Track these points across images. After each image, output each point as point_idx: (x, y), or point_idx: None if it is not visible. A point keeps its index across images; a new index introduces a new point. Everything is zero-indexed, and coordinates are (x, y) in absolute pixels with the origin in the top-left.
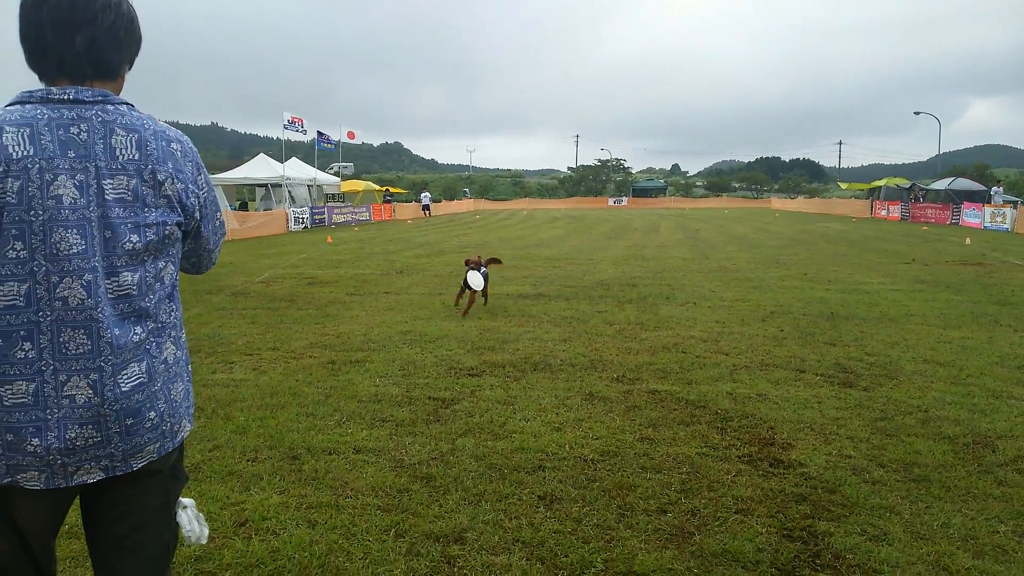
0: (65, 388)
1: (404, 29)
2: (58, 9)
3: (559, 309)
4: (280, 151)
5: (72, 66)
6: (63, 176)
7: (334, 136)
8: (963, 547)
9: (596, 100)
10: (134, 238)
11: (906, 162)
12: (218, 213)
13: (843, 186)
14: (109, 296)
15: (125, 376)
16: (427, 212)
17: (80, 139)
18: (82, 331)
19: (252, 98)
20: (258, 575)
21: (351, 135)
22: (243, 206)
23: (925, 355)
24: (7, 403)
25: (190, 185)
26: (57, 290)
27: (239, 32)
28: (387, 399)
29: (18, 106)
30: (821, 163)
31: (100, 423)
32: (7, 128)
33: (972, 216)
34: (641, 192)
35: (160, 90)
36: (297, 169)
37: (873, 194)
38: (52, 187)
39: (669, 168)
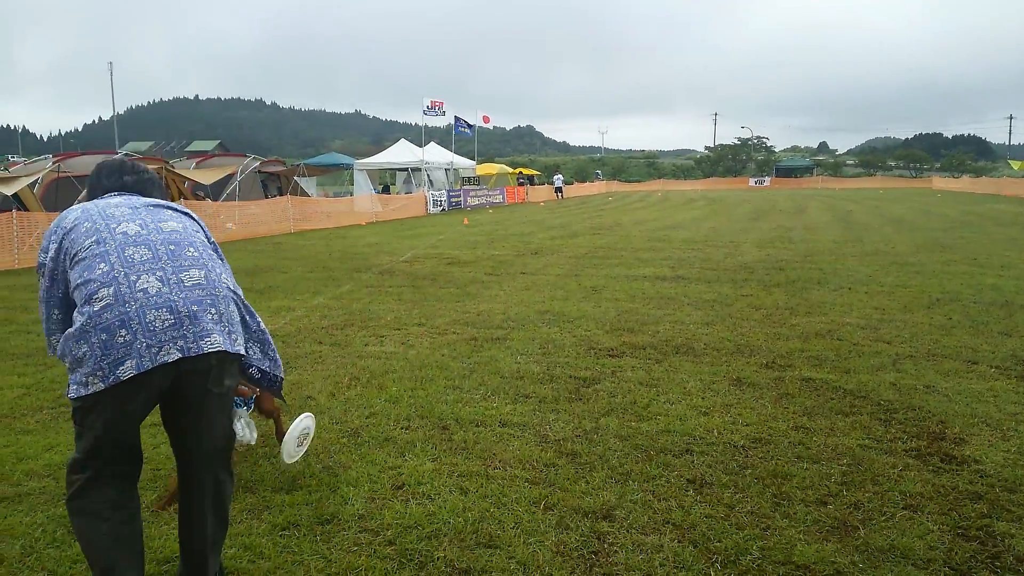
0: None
1: (541, 11)
2: (111, 168)
3: (700, 292)
4: (419, 136)
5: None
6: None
7: (471, 120)
8: None
9: (737, 76)
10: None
11: None
12: None
13: (1015, 165)
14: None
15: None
16: (560, 194)
17: (115, 198)
18: None
19: (393, 85)
20: (416, 536)
21: (486, 119)
22: (385, 189)
23: None
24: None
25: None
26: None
27: (380, 19)
28: (529, 376)
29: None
30: (989, 140)
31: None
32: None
33: None
34: (785, 172)
35: (308, 81)
36: (436, 153)
37: None
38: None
39: (816, 146)
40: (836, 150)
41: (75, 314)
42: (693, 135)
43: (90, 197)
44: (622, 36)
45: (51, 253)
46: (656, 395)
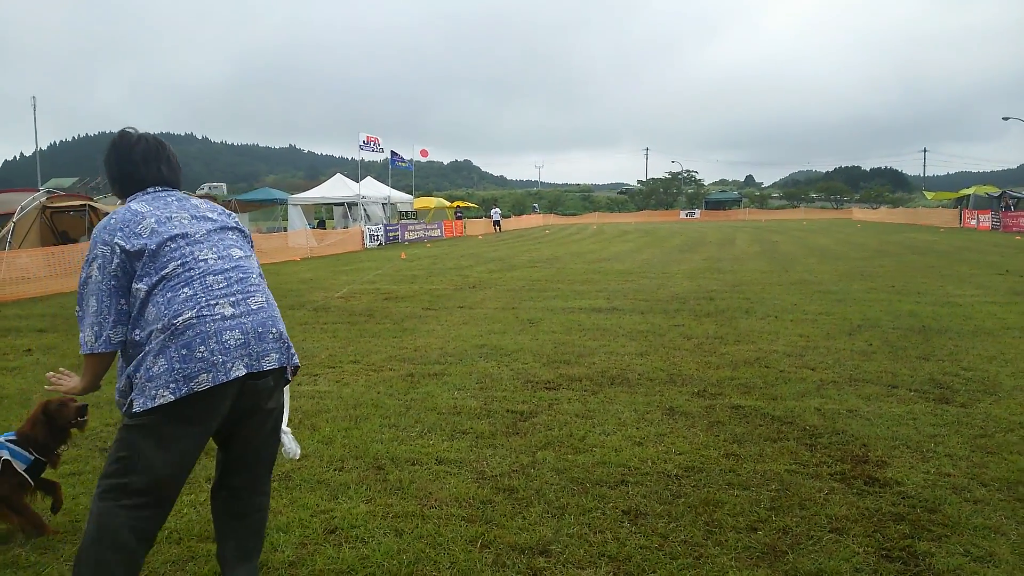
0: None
1: (480, 50)
2: (146, 151)
3: (634, 323)
4: (356, 170)
5: (156, 183)
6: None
7: (407, 155)
8: None
9: (669, 113)
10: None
11: (994, 169)
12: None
13: (929, 195)
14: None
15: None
16: (497, 228)
17: (173, 204)
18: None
19: (328, 120)
20: None
21: (424, 153)
22: (321, 224)
23: None
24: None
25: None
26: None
27: (314, 55)
28: (466, 411)
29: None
30: (904, 172)
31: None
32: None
33: None
34: (714, 204)
35: (240, 116)
36: (372, 188)
37: (961, 203)
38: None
39: (743, 179)
40: (762, 183)
41: (148, 332)
42: (626, 169)
43: (125, 182)
44: (561, 75)
45: (115, 249)
46: (592, 427)
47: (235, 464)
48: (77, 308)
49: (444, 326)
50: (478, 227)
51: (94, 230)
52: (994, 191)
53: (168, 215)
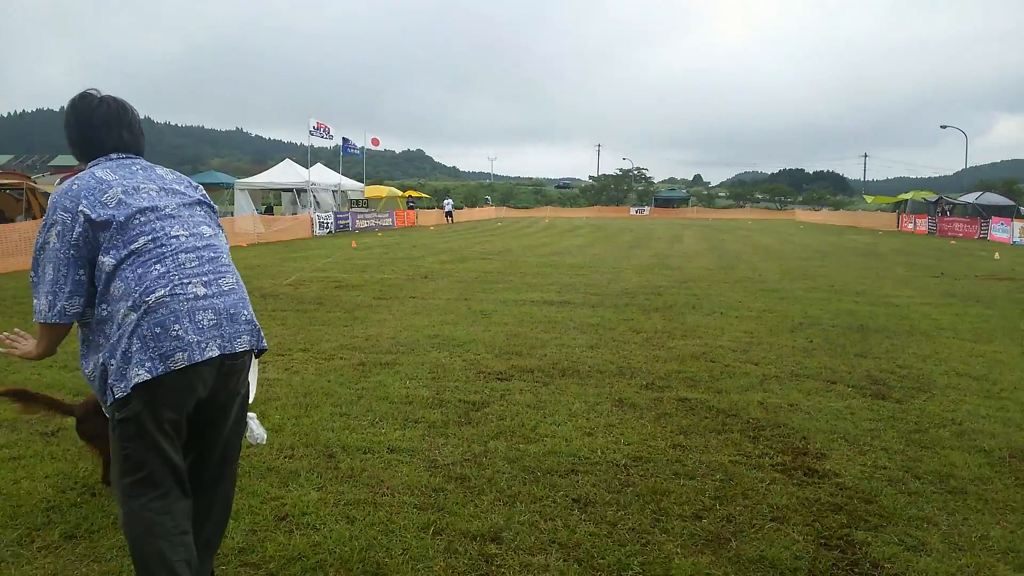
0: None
1: (437, 40)
2: (108, 115)
3: (585, 316)
4: (306, 157)
5: (117, 148)
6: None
7: (358, 143)
8: (1003, 559)
9: (619, 112)
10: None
11: (932, 176)
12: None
13: (868, 199)
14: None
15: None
16: (450, 219)
17: (139, 173)
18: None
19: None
20: (300, 568)
21: (375, 141)
22: (268, 210)
23: (957, 368)
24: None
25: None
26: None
27: (265, 37)
28: (418, 401)
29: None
30: (846, 176)
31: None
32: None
33: (1001, 231)
34: (663, 202)
35: (185, 97)
36: (322, 174)
37: (899, 207)
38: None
39: (691, 178)
40: (709, 182)
41: (114, 309)
42: (578, 165)
43: (85, 146)
44: (517, 70)
45: (79, 217)
46: (543, 417)
47: (205, 451)
48: (32, 274)
49: (396, 316)
50: (430, 218)
51: (53, 194)
52: (931, 196)
53: (135, 185)
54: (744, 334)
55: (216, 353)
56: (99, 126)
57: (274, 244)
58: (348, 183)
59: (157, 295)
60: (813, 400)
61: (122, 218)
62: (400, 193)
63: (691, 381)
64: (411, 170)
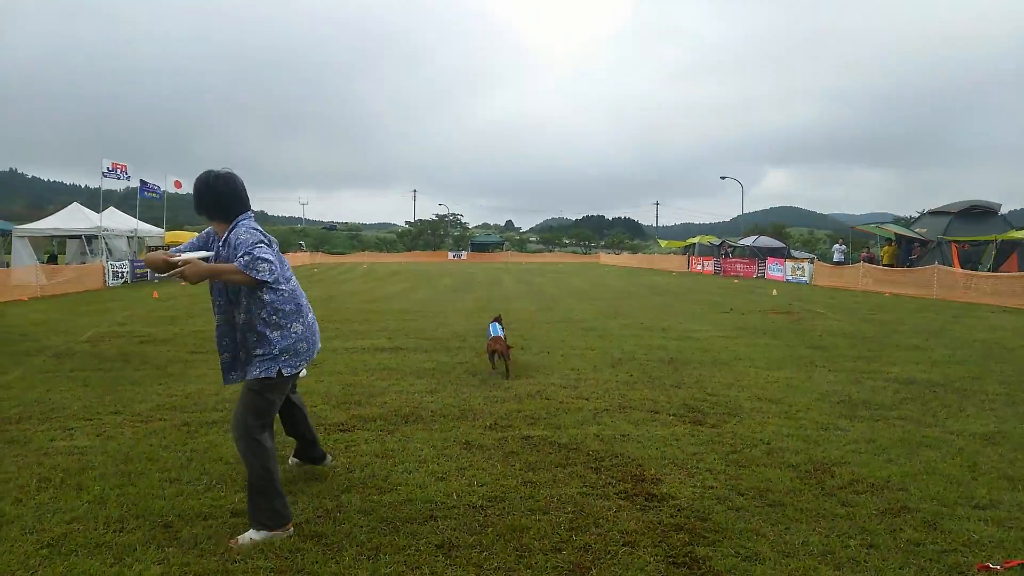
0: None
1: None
2: (228, 187)
3: (419, 361)
4: (96, 200)
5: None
6: None
7: (162, 185)
8: (823, 562)
9: (437, 160)
10: None
11: (714, 221)
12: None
13: (662, 243)
14: None
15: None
16: None
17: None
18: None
19: (60, 142)
20: None
21: (178, 184)
22: (52, 259)
23: (758, 393)
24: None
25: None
26: None
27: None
28: None
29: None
30: (640, 222)
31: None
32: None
33: (775, 270)
34: (479, 246)
35: None
36: (116, 219)
37: (689, 250)
38: None
39: (504, 223)
40: (520, 227)
41: (290, 291)
42: (395, 210)
43: (242, 208)
44: (339, 115)
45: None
46: (393, 465)
47: (292, 399)
48: (267, 260)
49: (216, 371)
50: None
51: (250, 232)
52: (715, 240)
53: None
54: (571, 371)
55: (314, 355)
56: (240, 190)
57: (61, 297)
58: (145, 228)
59: (305, 303)
60: (642, 429)
61: (276, 248)
62: None
63: (531, 419)
64: None
